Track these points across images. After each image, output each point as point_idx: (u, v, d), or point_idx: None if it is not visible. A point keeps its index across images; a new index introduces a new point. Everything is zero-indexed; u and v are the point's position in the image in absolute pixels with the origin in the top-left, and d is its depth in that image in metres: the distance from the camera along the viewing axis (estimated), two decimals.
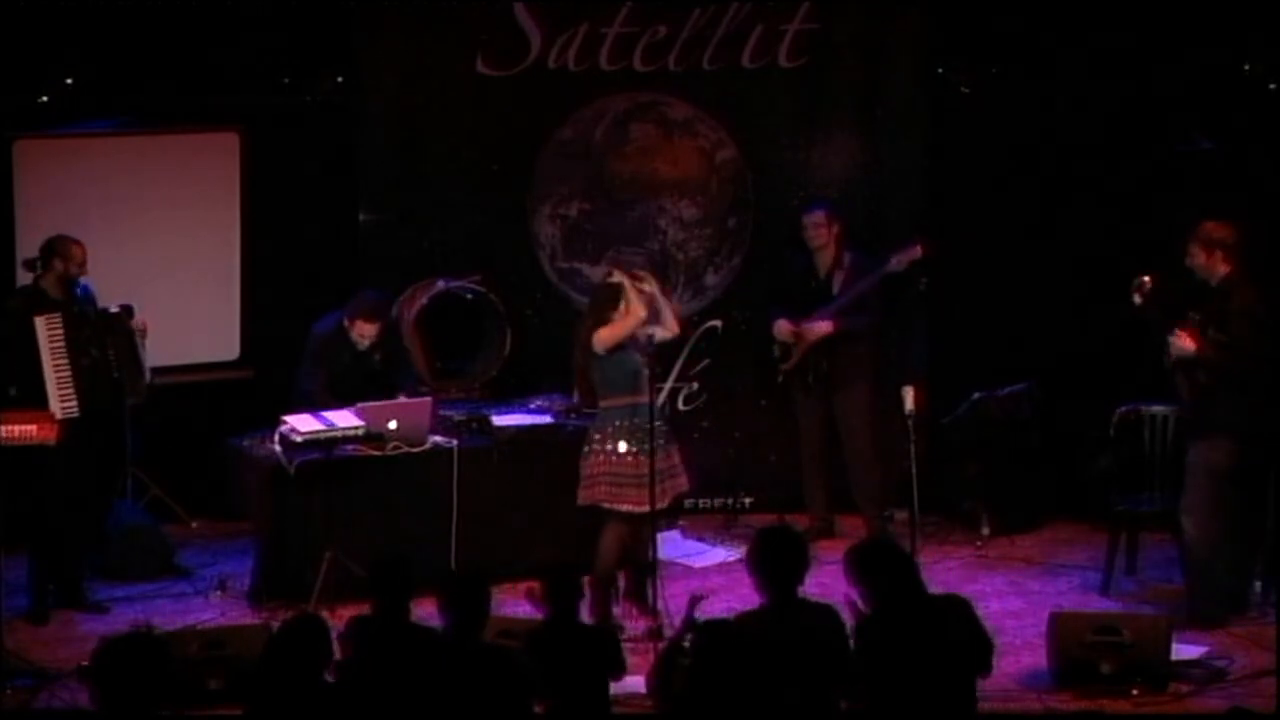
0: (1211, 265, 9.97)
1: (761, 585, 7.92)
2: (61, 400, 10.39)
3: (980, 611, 8.06)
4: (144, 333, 10.82)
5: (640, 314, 9.99)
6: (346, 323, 11.03)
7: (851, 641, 7.81)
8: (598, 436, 10.07)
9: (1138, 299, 9.98)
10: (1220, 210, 11.68)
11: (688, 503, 11.46)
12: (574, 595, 8.15)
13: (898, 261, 11.58)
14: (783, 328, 11.75)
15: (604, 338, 10.00)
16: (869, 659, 7.67)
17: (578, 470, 10.15)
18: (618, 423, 10.01)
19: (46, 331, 10.42)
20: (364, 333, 11.00)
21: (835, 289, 11.73)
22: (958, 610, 7.88)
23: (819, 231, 11.72)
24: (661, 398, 10.18)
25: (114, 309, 10.68)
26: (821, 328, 11.64)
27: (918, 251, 11.54)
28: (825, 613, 7.95)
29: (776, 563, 7.90)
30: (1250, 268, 10.00)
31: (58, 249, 10.54)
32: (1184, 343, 9.89)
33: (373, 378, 11.03)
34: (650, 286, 10.14)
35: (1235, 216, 11.63)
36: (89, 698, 7.03)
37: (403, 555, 8.31)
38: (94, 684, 6.85)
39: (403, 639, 7.84)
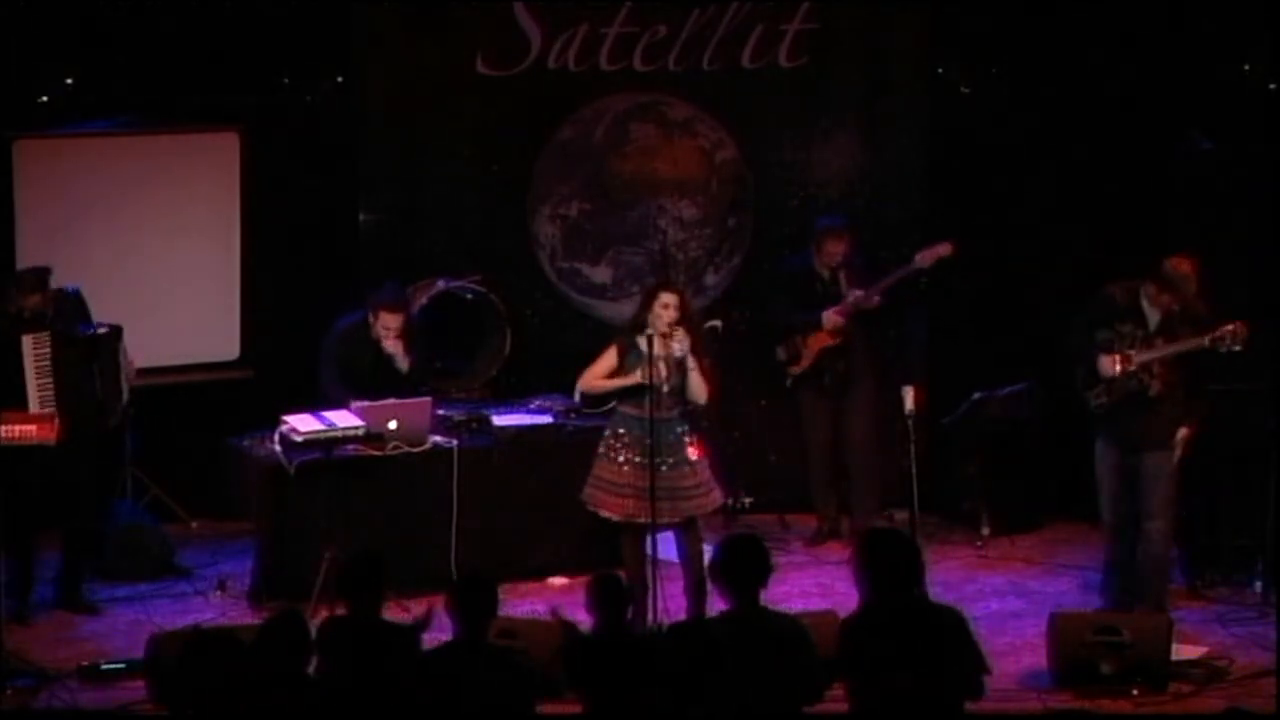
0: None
1: (725, 592, 7.92)
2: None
3: (977, 616, 8.00)
4: (133, 372, 10.68)
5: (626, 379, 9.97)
6: (370, 316, 10.96)
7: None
8: (607, 436, 10.11)
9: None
10: (1219, 210, 11.74)
11: None
12: (621, 602, 7.96)
13: (923, 258, 11.56)
14: (832, 318, 11.72)
15: (588, 382, 10.05)
16: (852, 655, 7.64)
17: (589, 467, 10.20)
18: (621, 430, 10.03)
19: (33, 351, 10.31)
20: (388, 324, 10.90)
21: (844, 288, 11.75)
22: (952, 623, 7.80)
23: (841, 252, 11.74)
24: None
25: (102, 330, 10.55)
26: (857, 297, 11.64)
27: (947, 249, 11.52)
28: (788, 621, 7.98)
29: (740, 570, 7.92)
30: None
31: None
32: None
33: (396, 382, 10.96)
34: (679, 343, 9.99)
35: (1235, 217, 11.70)
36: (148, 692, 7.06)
37: (377, 554, 8.29)
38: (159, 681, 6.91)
39: (377, 637, 7.85)
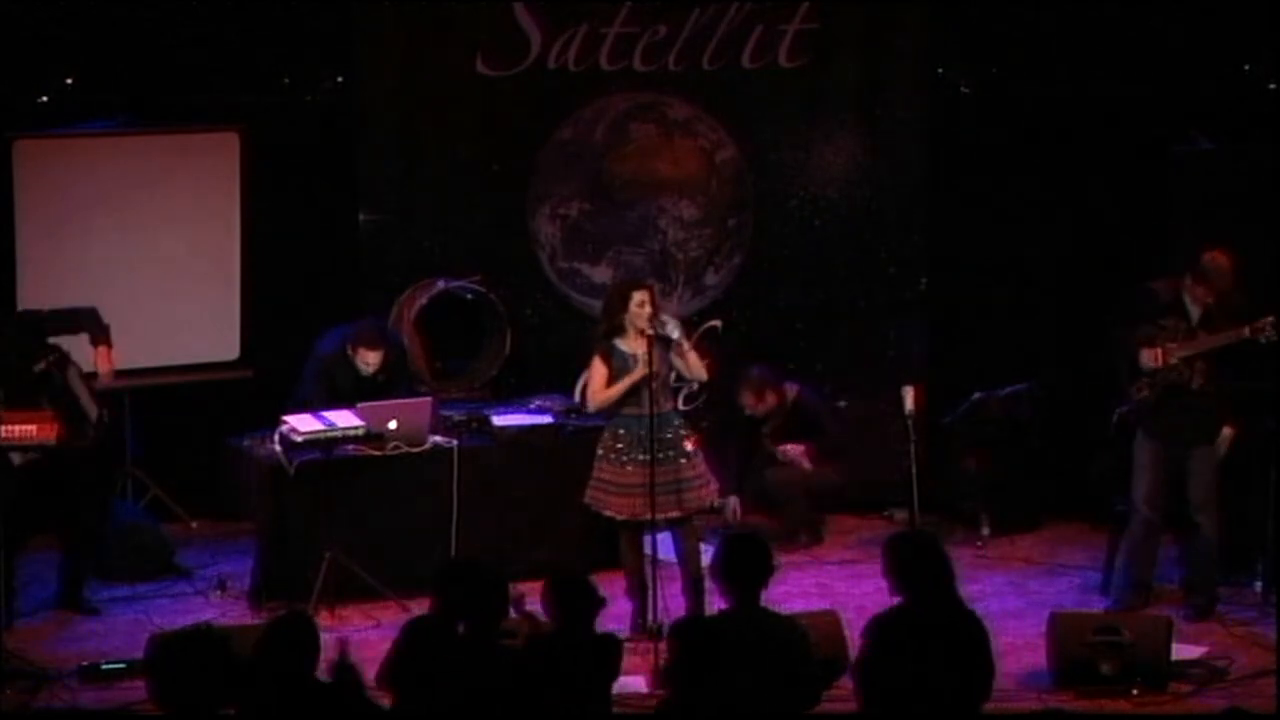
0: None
1: (726, 592, 7.96)
2: (22, 454, 10.18)
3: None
4: (108, 373, 10.48)
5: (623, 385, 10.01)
6: (350, 349, 11.03)
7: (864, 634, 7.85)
8: (607, 438, 10.12)
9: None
10: (1219, 210, 11.74)
11: None
12: (583, 602, 8.02)
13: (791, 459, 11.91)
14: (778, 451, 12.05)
15: (597, 399, 10.11)
16: (880, 652, 7.66)
17: (589, 467, 10.22)
18: (621, 431, 10.04)
19: None
20: (367, 360, 11.02)
21: (772, 441, 12.04)
22: (977, 629, 7.86)
23: (751, 405, 11.94)
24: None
25: (39, 367, 10.22)
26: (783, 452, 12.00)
27: (806, 464, 11.85)
28: (788, 621, 8.01)
29: (741, 570, 7.93)
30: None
31: None
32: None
33: (375, 395, 10.99)
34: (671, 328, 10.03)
35: (1235, 216, 11.70)
36: (148, 692, 7.04)
37: (487, 565, 8.25)
38: (154, 680, 6.88)
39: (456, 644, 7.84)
